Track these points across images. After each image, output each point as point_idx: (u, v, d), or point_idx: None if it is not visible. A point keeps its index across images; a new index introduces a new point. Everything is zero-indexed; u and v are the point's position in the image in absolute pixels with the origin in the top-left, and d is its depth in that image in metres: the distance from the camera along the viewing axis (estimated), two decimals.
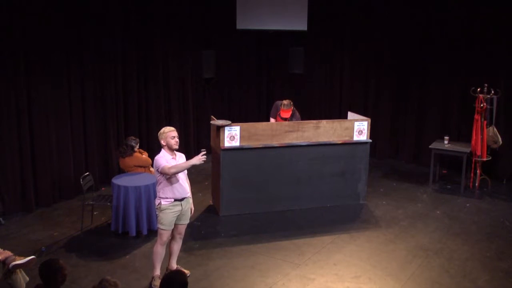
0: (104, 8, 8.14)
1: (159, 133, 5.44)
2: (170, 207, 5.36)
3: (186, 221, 5.60)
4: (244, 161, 7.35)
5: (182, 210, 5.45)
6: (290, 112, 7.92)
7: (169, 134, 5.36)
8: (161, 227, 5.41)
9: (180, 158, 5.51)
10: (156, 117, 9.25)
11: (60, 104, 7.67)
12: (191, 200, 5.58)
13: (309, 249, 6.43)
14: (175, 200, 5.37)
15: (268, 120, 8.39)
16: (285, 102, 7.97)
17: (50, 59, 7.44)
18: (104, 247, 6.40)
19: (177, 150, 5.53)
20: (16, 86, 7.07)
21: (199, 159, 5.27)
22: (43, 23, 7.27)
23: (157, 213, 5.45)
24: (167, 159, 5.32)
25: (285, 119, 7.87)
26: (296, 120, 8.02)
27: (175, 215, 5.41)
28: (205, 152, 5.32)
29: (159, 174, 5.31)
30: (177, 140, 5.40)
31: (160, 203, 5.35)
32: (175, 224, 5.50)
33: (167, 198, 5.34)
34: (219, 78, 10.50)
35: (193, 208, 5.70)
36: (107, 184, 7.85)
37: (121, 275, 5.66)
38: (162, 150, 5.41)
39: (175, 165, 5.28)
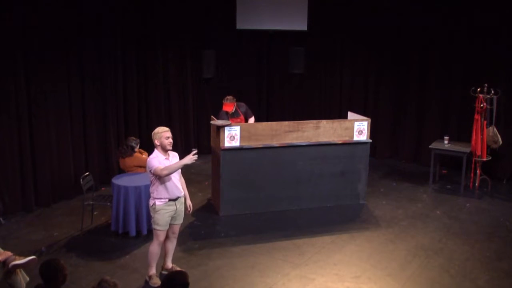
0: (104, 8, 8.13)
1: (153, 133, 5.42)
2: (165, 207, 5.37)
3: (180, 220, 5.62)
4: (244, 161, 7.35)
5: (176, 210, 5.47)
6: (233, 106, 7.92)
7: (164, 134, 5.34)
8: (157, 227, 5.42)
9: (174, 157, 5.51)
10: (156, 117, 9.26)
11: (60, 104, 7.67)
12: (183, 200, 5.58)
13: (309, 249, 6.43)
14: (170, 200, 5.38)
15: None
16: (229, 97, 8.02)
17: (50, 59, 7.43)
18: (104, 247, 6.40)
19: (174, 150, 5.53)
20: (16, 86, 7.07)
21: (190, 158, 5.28)
22: (42, 23, 7.27)
23: (151, 214, 5.45)
24: (160, 160, 5.32)
25: (227, 113, 7.87)
26: (246, 110, 8.11)
27: (170, 215, 5.43)
28: (196, 151, 5.33)
29: (152, 175, 5.32)
30: (171, 140, 5.40)
31: (154, 204, 5.36)
32: (170, 224, 5.51)
33: (161, 198, 5.35)
34: (219, 78, 10.50)
35: (191, 205, 5.70)
36: (107, 184, 7.84)
37: (121, 275, 5.66)
38: (155, 150, 5.40)
39: (167, 166, 5.27)
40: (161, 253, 5.70)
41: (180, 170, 5.48)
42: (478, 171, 8.54)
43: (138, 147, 7.47)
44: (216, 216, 7.42)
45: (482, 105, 8.22)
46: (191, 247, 6.43)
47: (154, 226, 5.44)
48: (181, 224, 5.73)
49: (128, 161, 7.35)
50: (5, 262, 4.70)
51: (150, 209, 5.45)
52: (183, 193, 5.56)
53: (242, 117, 8.03)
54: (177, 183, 5.46)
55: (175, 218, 5.53)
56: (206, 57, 10.07)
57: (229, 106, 7.87)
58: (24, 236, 6.66)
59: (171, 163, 5.37)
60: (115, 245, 6.45)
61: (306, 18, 10.05)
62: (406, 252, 6.39)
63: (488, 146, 8.47)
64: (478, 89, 8.28)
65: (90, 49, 8.02)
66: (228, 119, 7.66)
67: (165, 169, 5.23)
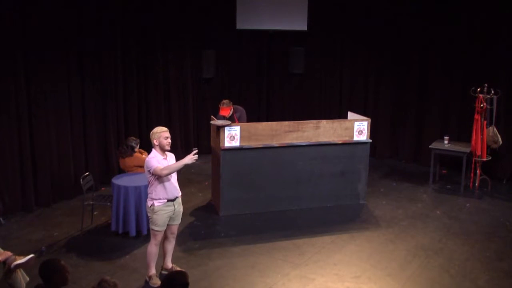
0: (104, 8, 8.13)
1: (151, 133, 5.41)
2: (163, 208, 5.37)
3: (178, 221, 5.62)
4: (244, 161, 7.35)
5: (174, 210, 5.47)
6: (229, 111, 7.91)
7: (163, 134, 5.33)
8: (155, 228, 5.41)
9: (171, 158, 5.51)
10: (156, 117, 9.26)
11: (60, 104, 7.67)
12: (180, 200, 5.58)
13: (309, 249, 6.43)
14: (168, 200, 5.38)
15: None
16: (225, 101, 8.02)
17: (50, 59, 7.43)
18: (104, 247, 6.40)
19: (174, 150, 5.52)
20: (16, 86, 7.06)
21: (191, 158, 5.26)
22: (42, 23, 7.26)
23: (149, 214, 5.44)
24: (159, 160, 5.31)
25: (224, 117, 7.85)
26: (240, 114, 8.06)
27: (169, 215, 5.43)
28: (196, 151, 5.32)
29: (150, 175, 5.31)
30: (170, 141, 5.39)
31: (153, 205, 5.35)
32: (168, 225, 5.52)
33: (160, 199, 5.34)
34: (219, 78, 10.50)
35: (181, 207, 5.71)
36: (107, 184, 7.85)
37: (121, 275, 5.66)
38: (153, 150, 5.39)
39: (167, 166, 5.27)
40: (160, 253, 5.70)
41: (176, 171, 5.49)
42: (478, 171, 8.54)
43: (138, 147, 7.47)
44: (216, 216, 7.42)
45: (482, 105, 8.22)
46: (191, 247, 6.43)
47: (152, 227, 5.44)
48: (181, 224, 5.76)
49: (128, 161, 7.35)
50: (5, 262, 4.70)
51: (148, 209, 5.43)
52: (180, 193, 5.57)
53: (237, 123, 7.99)
54: (176, 183, 5.46)
55: (174, 218, 5.53)
56: (206, 57, 10.08)
57: (225, 110, 7.84)
58: (24, 236, 6.66)
59: (169, 163, 5.38)
60: (115, 245, 6.45)
61: (306, 18, 10.05)
62: (406, 252, 6.39)
63: (488, 146, 8.47)
64: (478, 89, 8.27)
65: (90, 49, 8.02)
66: None
67: (165, 169, 5.23)
